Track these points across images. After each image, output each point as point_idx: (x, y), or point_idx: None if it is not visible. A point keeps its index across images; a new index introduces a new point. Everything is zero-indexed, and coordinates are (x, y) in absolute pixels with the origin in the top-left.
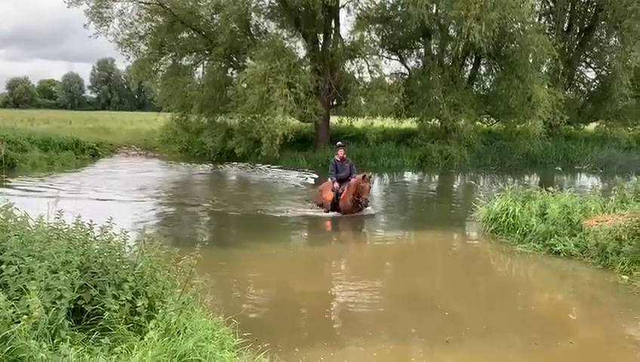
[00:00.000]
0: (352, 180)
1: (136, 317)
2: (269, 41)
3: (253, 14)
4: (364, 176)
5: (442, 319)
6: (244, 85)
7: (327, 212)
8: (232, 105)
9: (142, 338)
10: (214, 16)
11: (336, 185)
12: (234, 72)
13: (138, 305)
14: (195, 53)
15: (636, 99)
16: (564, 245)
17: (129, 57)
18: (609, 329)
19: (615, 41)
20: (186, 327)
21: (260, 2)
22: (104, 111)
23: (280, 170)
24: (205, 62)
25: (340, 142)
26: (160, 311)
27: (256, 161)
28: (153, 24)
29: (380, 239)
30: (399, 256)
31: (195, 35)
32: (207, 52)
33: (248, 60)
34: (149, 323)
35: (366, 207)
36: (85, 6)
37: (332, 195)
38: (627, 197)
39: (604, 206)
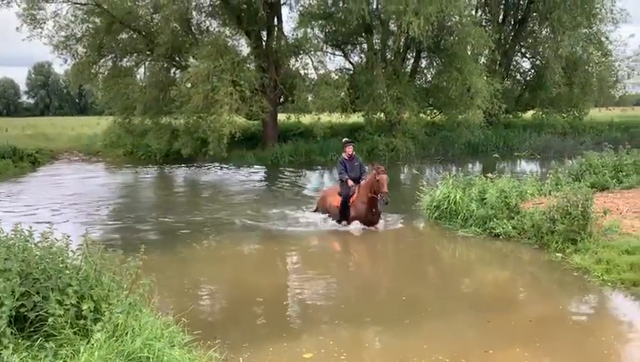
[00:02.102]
0: (364, 181)
1: (82, 321)
2: (211, 39)
3: (194, 13)
4: (377, 168)
5: (399, 303)
6: (188, 85)
7: (339, 222)
8: (176, 106)
9: (88, 342)
10: (154, 16)
11: (350, 182)
12: (177, 71)
13: (83, 308)
14: (135, 54)
15: (568, 86)
16: (502, 228)
17: (66, 60)
18: (551, 305)
19: (547, 32)
20: (133, 328)
21: (201, 1)
22: (43, 117)
23: (228, 169)
24: (147, 62)
25: (346, 138)
26: (107, 313)
27: (204, 161)
28: (90, 25)
29: (330, 231)
30: (350, 247)
31: (135, 36)
32: (148, 52)
33: (191, 60)
34: (95, 325)
35: (385, 204)
36: (16, 8)
37: (339, 200)
38: (561, 180)
39: (540, 189)
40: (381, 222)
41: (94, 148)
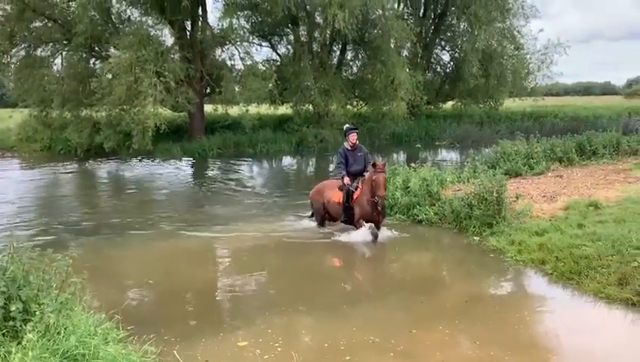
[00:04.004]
0: (368, 174)
1: (11, 323)
2: (133, 29)
3: (113, 2)
4: (374, 165)
5: (331, 291)
6: (109, 76)
7: (345, 222)
8: (97, 98)
9: (19, 343)
10: (71, 4)
11: (346, 179)
12: (97, 62)
13: (12, 309)
14: (51, 44)
15: (485, 78)
16: (425, 214)
17: None
18: (471, 284)
19: (464, 26)
20: (66, 327)
21: None
22: None
23: (154, 162)
24: (64, 52)
25: (348, 125)
26: (37, 313)
27: (128, 154)
28: (0, 12)
29: (262, 223)
30: (284, 239)
31: (50, 24)
32: (65, 42)
33: (112, 50)
34: (25, 326)
35: (382, 209)
36: None
37: (340, 196)
38: (478, 168)
39: (460, 176)
40: (383, 229)
41: (8, 143)
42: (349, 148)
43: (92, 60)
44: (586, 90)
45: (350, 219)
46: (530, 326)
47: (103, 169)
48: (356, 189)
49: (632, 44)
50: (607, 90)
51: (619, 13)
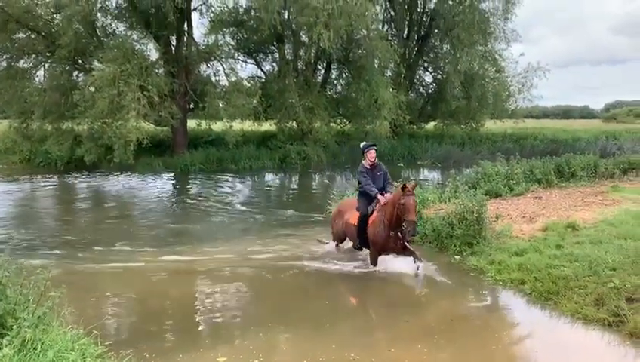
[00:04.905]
0: (388, 195)
1: None
2: (117, 42)
3: (99, 15)
4: (404, 187)
5: (314, 308)
6: (92, 89)
7: (360, 249)
8: (79, 111)
9: None
10: (55, 16)
11: (381, 198)
12: (80, 75)
13: None
14: (34, 55)
15: (467, 100)
16: None
17: None
18: (451, 303)
19: (447, 48)
20: (43, 341)
21: (107, 2)
22: None
23: (136, 177)
24: (47, 64)
25: (365, 143)
26: (14, 327)
27: (109, 168)
28: None
29: (242, 241)
30: (264, 257)
31: (33, 36)
32: (48, 54)
33: (96, 63)
34: (2, 340)
35: (413, 236)
36: None
37: (357, 217)
38: (459, 188)
39: (441, 196)
40: (419, 264)
41: None
42: (369, 166)
43: (75, 73)
44: (565, 113)
45: (364, 244)
46: (508, 347)
47: (83, 182)
48: (372, 212)
49: (610, 69)
50: (585, 113)
51: (598, 40)
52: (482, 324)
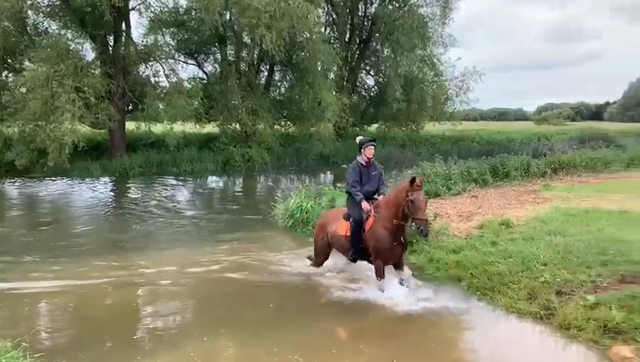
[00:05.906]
0: (383, 197)
1: None
2: (51, 42)
3: (30, 12)
4: (412, 181)
5: (258, 314)
6: (24, 90)
7: (354, 261)
8: (9, 113)
9: None
10: None
11: (365, 204)
12: (10, 75)
13: None
14: None
15: (407, 103)
16: None
17: None
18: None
19: (388, 52)
20: None
21: (38, 0)
22: None
23: (71, 181)
24: None
25: (362, 137)
26: None
27: (42, 173)
28: None
29: (183, 247)
30: (205, 264)
31: None
32: None
33: (27, 63)
34: None
35: (425, 236)
36: None
37: (346, 227)
38: None
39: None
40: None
41: None
42: (364, 163)
43: (4, 73)
44: (500, 115)
45: (359, 254)
46: (447, 343)
47: (13, 188)
48: (368, 217)
49: (543, 74)
50: (519, 116)
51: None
52: (423, 321)
